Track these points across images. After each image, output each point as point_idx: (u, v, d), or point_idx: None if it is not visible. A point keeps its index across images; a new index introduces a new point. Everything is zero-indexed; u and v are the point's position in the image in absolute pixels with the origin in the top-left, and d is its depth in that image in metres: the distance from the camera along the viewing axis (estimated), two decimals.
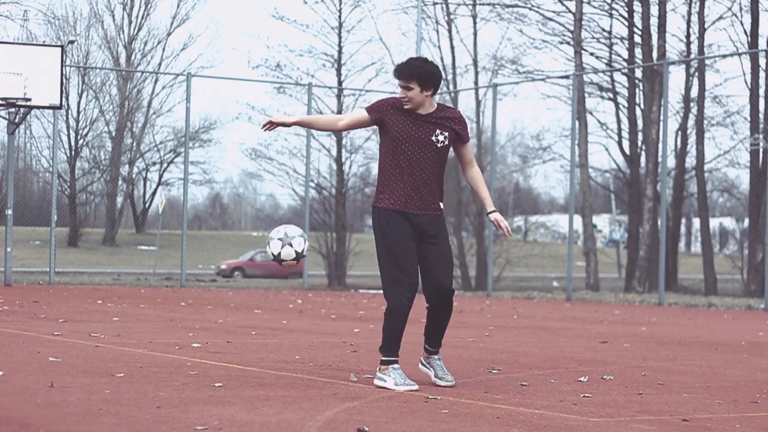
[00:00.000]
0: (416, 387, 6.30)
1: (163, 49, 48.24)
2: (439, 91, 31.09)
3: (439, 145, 6.42)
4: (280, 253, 6.57)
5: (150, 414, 5.06)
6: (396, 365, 6.40)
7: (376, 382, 6.42)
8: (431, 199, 6.46)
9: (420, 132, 6.42)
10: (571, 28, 30.16)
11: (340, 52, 30.74)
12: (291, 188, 30.79)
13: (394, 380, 6.32)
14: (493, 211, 6.65)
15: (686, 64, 29.09)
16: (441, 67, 32.77)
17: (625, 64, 30.33)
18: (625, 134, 30.68)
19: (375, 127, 6.63)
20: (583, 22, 29.82)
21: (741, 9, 28.60)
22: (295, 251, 6.58)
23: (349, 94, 30.01)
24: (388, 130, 6.46)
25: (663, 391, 6.68)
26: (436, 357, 6.66)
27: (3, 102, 18.98)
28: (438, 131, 6.43)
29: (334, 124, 6.74)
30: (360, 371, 7.19)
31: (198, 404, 5.41)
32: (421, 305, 6.85)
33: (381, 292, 24.43)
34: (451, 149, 6.60)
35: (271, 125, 6.63)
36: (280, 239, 6.59)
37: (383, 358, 6.42)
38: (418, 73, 6.35)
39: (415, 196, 6.42)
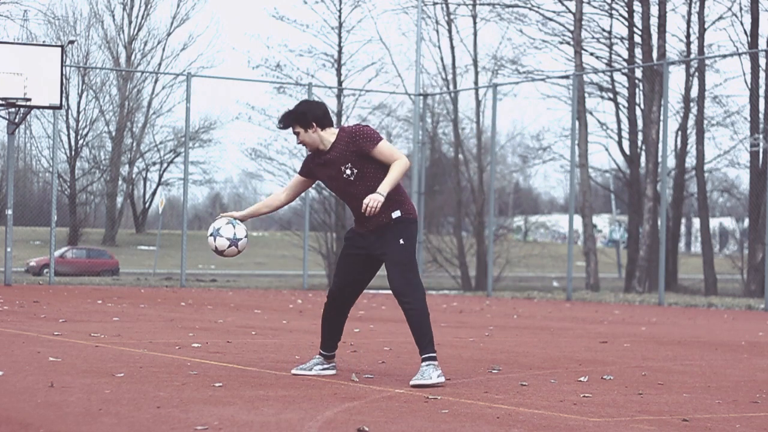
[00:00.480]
0: (296, 372, 6.80)
1: (163, 49, 48.27)
2: (439, 91, 31.00)
3: (352, 177, 6.64)
4: (216, 247, 6.85)
5: (150, 414, 5.06)
6: (316, 355, 6.99)
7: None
8: (377, 218, 6.64)
9: (332, 171, 6.69)
10: (571, 28, 30.17)
11: (340, 52, 30.76)
12: None
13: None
14: (374, 193, 6.57)
15: (686, 64, 29.10)
16: (441, 67, 32.78)
17: (625, 64, 30.34)
18: (625, 134, 30.70)
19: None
20: (583, 22, 29.82)
21: (741, 9, 28.62)
22: (227, 238, 6.81)
23: (349, 94, 30.04)
24: (321, 179, 6.86)
25: (663, 391, 6.68)
26: (423, 363, 6.55)
27: (3, 102, 18.98)
28: (342, 167, 6.64)
29: (279, 200, 7.01)
30: (360, 371, 7.19)
31: (198, 404, 5.41)
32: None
33: (381, 292, 24.46)
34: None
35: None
36: (211, 235, 6.87)
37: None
38: (293, 117, 6.70)
39: (362, 219, 6.70)
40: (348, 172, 6.61)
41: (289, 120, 6.71)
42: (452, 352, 8.81)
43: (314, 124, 6.64)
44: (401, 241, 6.62)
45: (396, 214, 6.64)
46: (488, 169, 29.49)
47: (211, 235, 6.84)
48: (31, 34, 39.17)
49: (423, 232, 28.72)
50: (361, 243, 6.73)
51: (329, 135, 6.68)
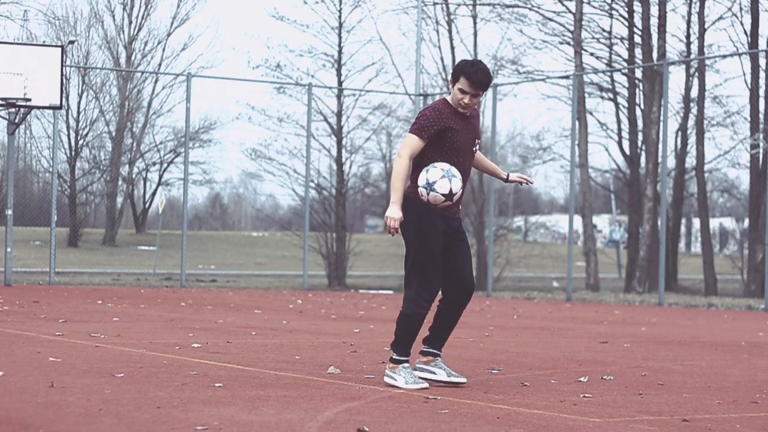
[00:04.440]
0: (426, 386, 6.38)
1: (163, 50, 48.22)
2: (439, 91, 31.01)
3: (475, 152, 6.74)
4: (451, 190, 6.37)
5: (150, 414, 5.06)
6: (407, 364, 6.45)
7: (386, 380, 6.47)
8: (458, 209, 6.69)
9: (470, 139, 6.66)
10: (571, 28, 30.16)
11: (340, 52, 30.73)
12: (291, 188, 30.75)
13: (405, 379, 6.37)
14: (510, 173, 7.00)
15: (686, 64, 29.09)
16: (441, 67, 32.82)
17: (625, 64, 30.33)
18: (625, 134, 30.68)
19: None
20: (583, 22, 29.81)
21: (741, 9, 28.60)
22: (442, 194, 6.36)
23: (349, 94, 30.01)
24: (448, 139, 6.55)
25: (663, 391, 6.68)
26: (441, 360, 6.68)
27: (3, 102, 18.97)
28: (476, 140, 6.72)
29: (407, 168, 6.57)
30: (360, 371, 7.19)
31: (198, 404, 5.41)
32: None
33: (381, 292, 24.42)
34: None
35: (396, 229, 6.47)
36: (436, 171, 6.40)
37: (395, 357, 6.46)
38: (489, 83, 6.60)
39: (453, 203, 6.53)
40: (476, 147, 6.72)
41: (487, 84, 6.57)
42: (452, 353, 8.81)
43: None
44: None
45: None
46: None
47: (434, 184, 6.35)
48: (31, 34, 39.13)
49: None
50: (450, 224, 6.59)
51: None
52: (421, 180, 6.41)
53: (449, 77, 6.73)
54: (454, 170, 6.39)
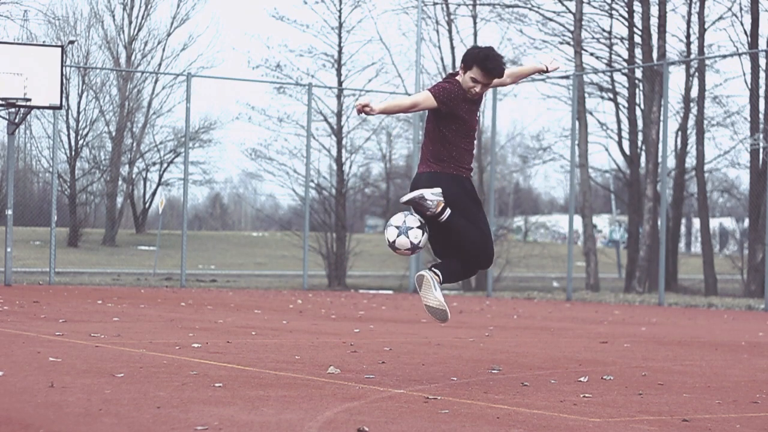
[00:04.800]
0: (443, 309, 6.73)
1: (163, 50, 48.21)
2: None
3: (476, 126, 6.96)
4: (395, 241, 6.71)
5: (150, 414, 5.06)
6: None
7: (424, 293, 6.72)
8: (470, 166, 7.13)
9: (474, 113, 6.87)
10: (571, 28, 30.17)
11: (340, 52, 30.73)
12: (291, 188, 30.77)
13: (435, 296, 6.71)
14: (545, 65, 7.33)
15: (686, 64, 29.09)
16: (441, 67, 32.82)
17: (625, 64, 30.33)
18: (625, 134, 30.69)
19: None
20: (583, 22, 29.82)
21: (741, 9, 28.60)
22: (411, 242, 6.72)
23: (349, 94, 30.01)
24: (457, 118, 6.75)
25: (663, 391, 6.68)
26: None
27: (3, 102, 18.98)
28: (478, 111, 6.97)
29: (406, 109, 6.84)
30: (360, 371, 7.19)
31: (198, 404, 5.41)
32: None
33: (381, 292, 24.42)
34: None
35: (362, 110, 6.60)
36: (397, 227, 6.73)
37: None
38: (503, 71, 6.81)
39: (465, 162, 6.97)
40: (479, 114, 7.03)
41: (501, 72, 6.75)
42: (452, 353, 8.81)
43: None
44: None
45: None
46: (488, 169, 29.46)
47: (396, 229, 6.72)
48: (31, 34, 39.12)
49: None
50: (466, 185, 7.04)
51: None
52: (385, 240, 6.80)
53: (460, 63, 6.79)
54: (410, 221, 6.73)
